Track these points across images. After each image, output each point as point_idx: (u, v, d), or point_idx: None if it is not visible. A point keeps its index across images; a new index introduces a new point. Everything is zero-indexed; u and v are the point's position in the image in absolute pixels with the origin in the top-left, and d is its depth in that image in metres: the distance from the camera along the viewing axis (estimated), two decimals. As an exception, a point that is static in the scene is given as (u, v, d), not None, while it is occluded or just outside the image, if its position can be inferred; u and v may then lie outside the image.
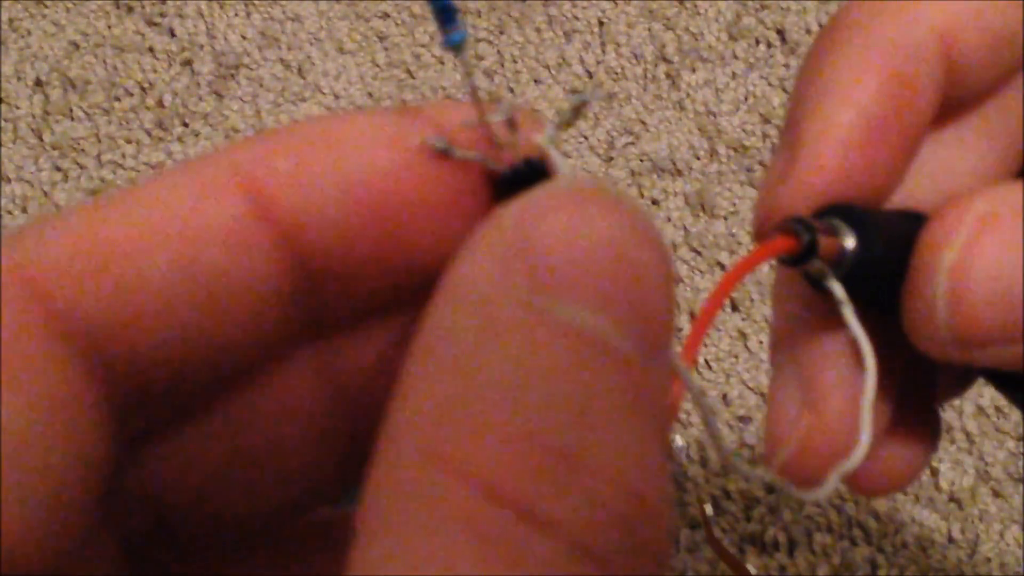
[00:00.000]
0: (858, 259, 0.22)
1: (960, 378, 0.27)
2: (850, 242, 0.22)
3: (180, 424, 0.18)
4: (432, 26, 0.60)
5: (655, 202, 0.57)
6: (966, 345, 0.21)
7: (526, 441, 0.14)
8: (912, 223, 0.22)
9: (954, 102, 0.24)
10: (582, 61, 0.60)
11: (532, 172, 0.18)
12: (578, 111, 0.19)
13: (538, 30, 0.61)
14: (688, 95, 0.59)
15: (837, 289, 0.22)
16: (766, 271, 0.55)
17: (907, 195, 0.24)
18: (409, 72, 0.59)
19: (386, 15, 0.61)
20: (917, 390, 0.25)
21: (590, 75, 0.59)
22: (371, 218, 0.17)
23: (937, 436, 0.26)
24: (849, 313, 0.22)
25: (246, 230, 0.17)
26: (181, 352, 0.17)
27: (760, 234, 0.23)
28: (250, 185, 0.17)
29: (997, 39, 0.23)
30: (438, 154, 0.18)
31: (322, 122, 0.18)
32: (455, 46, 0.19)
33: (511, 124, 0.18)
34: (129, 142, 0.57)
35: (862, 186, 0.23)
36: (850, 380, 0.23)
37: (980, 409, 0.53)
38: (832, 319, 0.23)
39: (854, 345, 0.23)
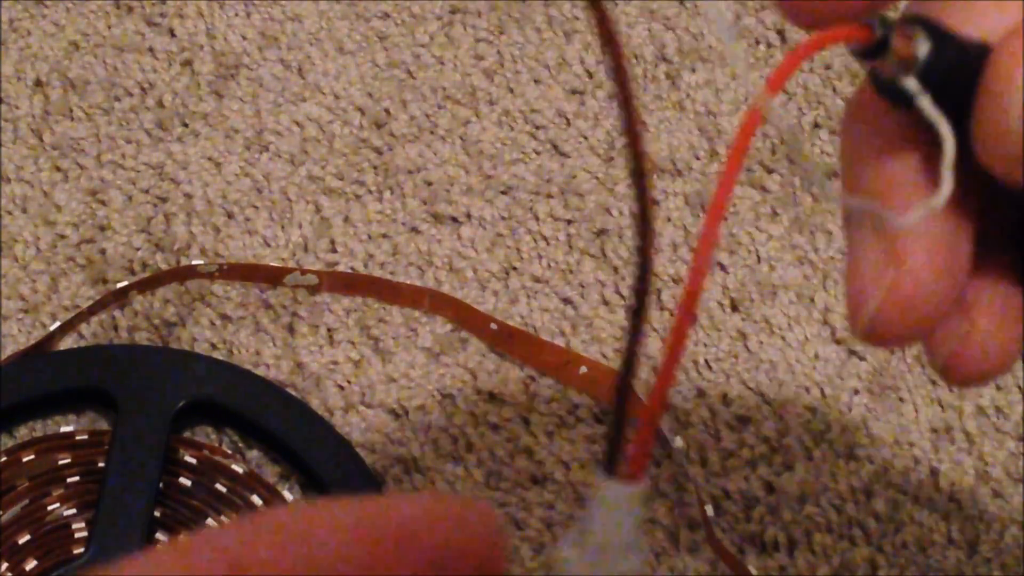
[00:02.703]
0: (931, 63, 0.23)
1: None
2: (924, 46, 0.23)
3: None
4: (432, 26, 0.60)
5: (655, 202, 0.57)
6: None
7: None
8: (981, 47, 0.23)
9: None
10: (582, 61, 0.60)
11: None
12: None
13: (538, 30, 0.61)
14: (688, 95, 0.59)
15: (911, 83, 0.23)
16: (765, 270, 0.55)
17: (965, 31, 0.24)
18: (409, 72, 0.59)
19: (386, 15, 0.61)
20: (1003, 252, 0.26)
21: (590, 75, 0.59)
22: None
23: None
24: (925, 102, 0.23)
25: None
26: None
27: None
28: (233, 571, 0.19)
29: None
30: None
31: (303, 511, 0.20)
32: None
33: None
34: (129, 142, 0.57)
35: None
36: (932, 224, 0.24)
37: (980, 409, 0.53)
38: (910, 155, 0.24)
39: (932, 172, 0.23)
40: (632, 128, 0.19)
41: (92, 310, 0.52)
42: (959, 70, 0.23)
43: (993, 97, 0.23)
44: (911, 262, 0.24)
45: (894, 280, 0.24)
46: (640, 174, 0.19)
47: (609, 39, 0.19)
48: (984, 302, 0.26)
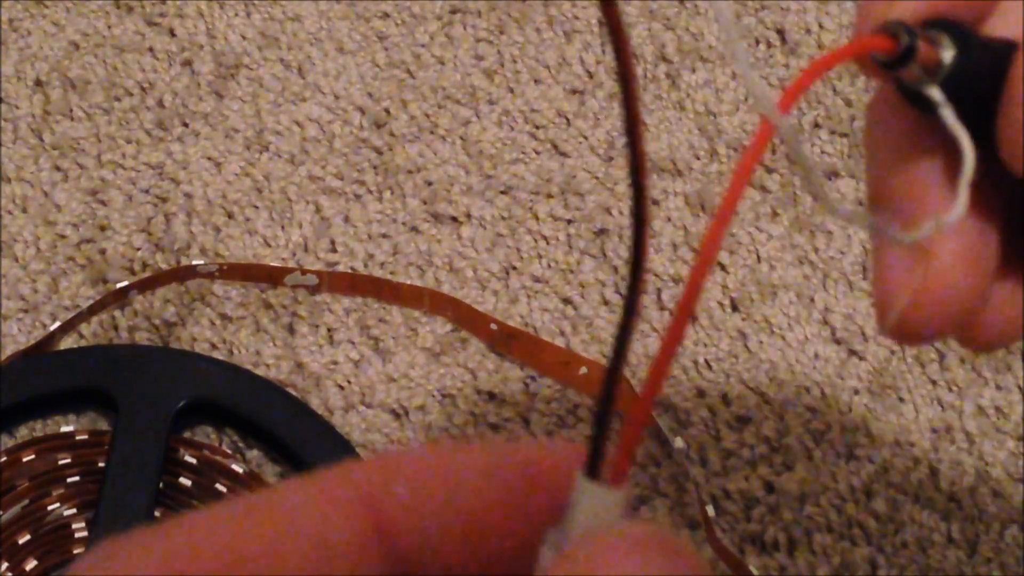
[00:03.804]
0: (957, 68, 0.23)
1: None
2: (949, 52, 0.23)
3: None
4: (432, 26, 0.60)
5: (655, 202, 0.57)
6: None
7: None
8: (1007, 47, 0.23)
9: None
10: (582, 61, 0.60)
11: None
12: None
13: (538, 30, 0.61)
14: (688, 95, 0.59)
15: (935, 93, 0.23)
16: (765, 270, 0.55)
17: (990, 31, 0.24)
18: (409, 72, 0.59)
19: (386, 15, 0.61)
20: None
21: (590, 75, 0.60)
22: (467, 540, 0.20)
23: None
24: (948, 114, 0.23)
25: (367, 549, 0.20)
26: None
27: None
28: (371, 507, 0.20)
29: None
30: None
31: (436, 453, 0.21)
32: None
33: None
34: (129, 142, 0.57)
35: (962, 7, 0.24)
36: (962, 227, 0.24)
37: (980, 409, 0.53)
38: (933, 159, 0.24)
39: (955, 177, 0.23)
40: (634, 125, 0.19)
41: (92, 310, 0.52)
42: (985, 72, 0.23)
43: (1016, 102, 0.23)
44: (939, 261, 0.24)
45: (923, 280, 0.24)
46: (638, 168, 0.19)
47: (616, 33, 0.18)
48: (1003, 273, 0.26)
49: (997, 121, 0.23)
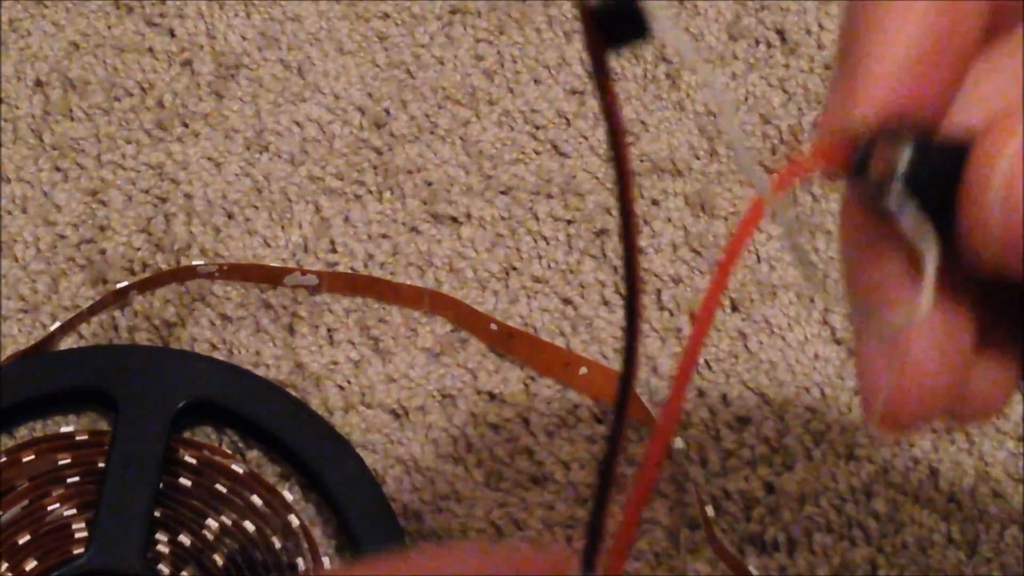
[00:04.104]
0: (915, 171, 0.23)
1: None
2: (906, 155, 0.23)
3: None
4: (432, 26, 0.60)
5: (655, 202, 0.57)
6: (1018, 251, 0.23)
7: None
8: (964, 146, 0.24)
9: (998, 23, 0.25)
10: (582, 61, 0.60)
11: (625, 10, 0.20)
12: None
13: (538, 30, 0.61)
14: (688, 95, 0.59)
15: (894, 197, 0.23)
16: (765, 270, 0.55)
17: (953, 120, 0.25)
18: (409, 72, 0.59)
19: (386, 15, 0.61)
20: (1001, 314, 0.26)
21: (590, 75, 0.59)
22: None
23: None
24: (907, 218, 0.24)
25: None
26: None
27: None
28: None
29: None
30: None
31: (434, 556, 0.22)
32: None
33: None
34: (129, 142, 0.57)
35: (917, 111, 0.24)
36: (932, 317, 0.25)
37: (980, 409, 0.53)
38: (900, 254, 0.24)
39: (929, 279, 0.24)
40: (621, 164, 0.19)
41: (92, 310, 0.52)
42: (944, 171, 0.23)
43: (970, 205, 0.23)
44: (913, 356, 0.25)
45: (899, 374, 0.25)
46: (625, 194, 0.19)
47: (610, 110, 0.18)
48: (980, 352, 0.26)
49: (957, 211, 0.23)
